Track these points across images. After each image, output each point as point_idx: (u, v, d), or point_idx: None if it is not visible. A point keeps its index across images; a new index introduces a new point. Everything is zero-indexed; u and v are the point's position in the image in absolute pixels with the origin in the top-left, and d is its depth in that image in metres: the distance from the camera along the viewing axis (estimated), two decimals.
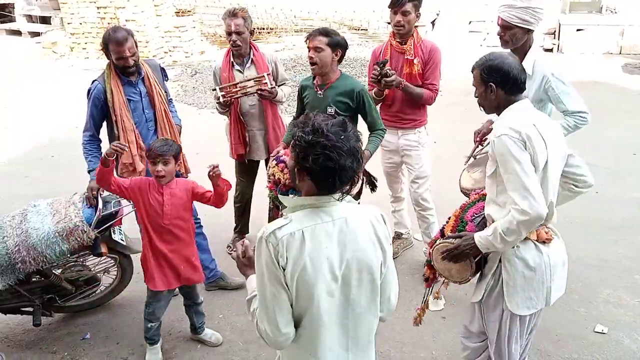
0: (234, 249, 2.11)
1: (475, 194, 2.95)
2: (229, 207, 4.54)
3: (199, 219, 3.94)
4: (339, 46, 3.42)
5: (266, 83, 3.85)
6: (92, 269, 3.81)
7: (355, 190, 3.47)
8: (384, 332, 3.49)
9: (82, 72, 10.66)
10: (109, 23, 11.23)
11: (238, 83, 3.92)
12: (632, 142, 6.57)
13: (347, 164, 1.71)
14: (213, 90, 3.92)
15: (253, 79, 3.90)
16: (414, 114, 3.96)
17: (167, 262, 3.24)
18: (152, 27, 11.57)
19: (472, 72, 2.54)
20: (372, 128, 3.57)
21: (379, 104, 3.98)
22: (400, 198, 4.48)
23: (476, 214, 2.72)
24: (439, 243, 2.65)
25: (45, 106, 8.96)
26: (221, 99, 3.88)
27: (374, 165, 3.88)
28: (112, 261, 3.78)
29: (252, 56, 4.05)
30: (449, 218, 2.83)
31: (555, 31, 11.20)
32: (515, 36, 3.16)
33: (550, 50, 10.83)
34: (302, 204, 1.82)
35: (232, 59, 4.07)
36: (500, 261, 2.52)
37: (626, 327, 3.59)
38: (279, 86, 4.13)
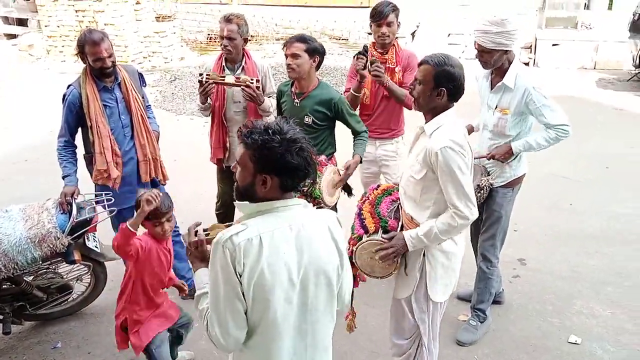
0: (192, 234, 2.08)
1: (377, 190, 3.04)
2: (211, 214, 4.51)
3: (177, 227, 3.90)
4: (317, 52, 3.45)
5: (252, 84, 3.80)
6: (65, 277, 3.75)
7: (334, 201, 3.49)
8: (383, 331, 3.48)
9: (58, 75, 10.51)
10: (87, 26, 11.09)
11: (226, 76, 3.87)
12: (605, 155, 6.70)
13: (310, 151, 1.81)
14: (200, 75, 3.86)
15: (242, 80, 3.83)
16: (391, 124, 4.00)
17: (160, 312, 3.11)
18: (131, 31, 11.47)
19: (420, 65, 2.57)
20: (355, 133, 3.63)
21: (357, 106, 3.98)
22: None
23: (388, 209, 2.87)
24: (366, 241, 2.69)
25: (21, 109, 8.80)
26: (203, 79, 3.79)
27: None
28: (86, 268, 3.72)
29: (243, 63, 4.02)
30: (360, 214, 2.89)
31: (531, 45, 11.41)
32: (494, 58, 3.22)
33: (527, 64, 11.01)
34: (258, 209, 1.82)
35: (223, 63, 4.05)
36: (423, 255, 2.65)
37: (599, 338, 3.65)
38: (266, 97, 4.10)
